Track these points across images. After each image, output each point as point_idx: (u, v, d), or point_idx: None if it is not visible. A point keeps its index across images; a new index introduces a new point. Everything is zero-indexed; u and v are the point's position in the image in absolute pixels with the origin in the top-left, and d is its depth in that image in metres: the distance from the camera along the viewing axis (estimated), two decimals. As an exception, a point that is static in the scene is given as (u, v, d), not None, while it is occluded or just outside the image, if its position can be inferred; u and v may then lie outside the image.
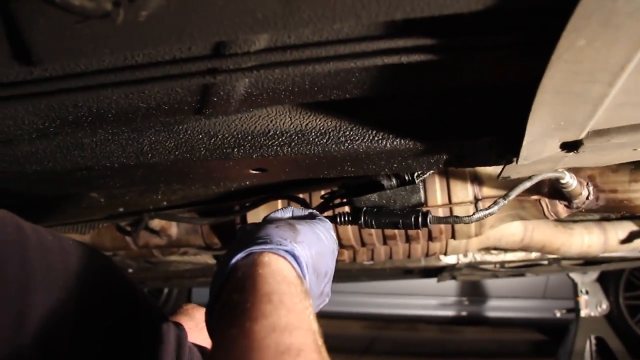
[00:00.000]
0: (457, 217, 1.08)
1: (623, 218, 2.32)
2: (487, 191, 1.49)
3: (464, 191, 1.49)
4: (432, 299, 5.04)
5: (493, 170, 1.47)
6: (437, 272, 2.79)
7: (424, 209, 1.12)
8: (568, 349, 3.30)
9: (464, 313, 5.17)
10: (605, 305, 3.31)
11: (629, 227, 2.24)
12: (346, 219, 1.17)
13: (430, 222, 1.09)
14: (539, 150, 0.86)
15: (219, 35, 0.67)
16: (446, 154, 0.96)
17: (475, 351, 5.59)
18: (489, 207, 1.08)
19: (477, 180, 1.49)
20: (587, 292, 3.30)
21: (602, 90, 0.70)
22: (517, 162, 0.89)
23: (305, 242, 0.81)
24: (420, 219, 1.09)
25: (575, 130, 0.82)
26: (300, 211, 1.02)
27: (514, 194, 1.13)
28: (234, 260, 0.73)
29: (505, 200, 1.10)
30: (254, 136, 0.99)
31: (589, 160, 0.98)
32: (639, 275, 4.88)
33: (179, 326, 1.03)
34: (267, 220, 0.93)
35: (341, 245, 1.67)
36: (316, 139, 0.96)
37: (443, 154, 0.96)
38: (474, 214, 1.07)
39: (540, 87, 0.69)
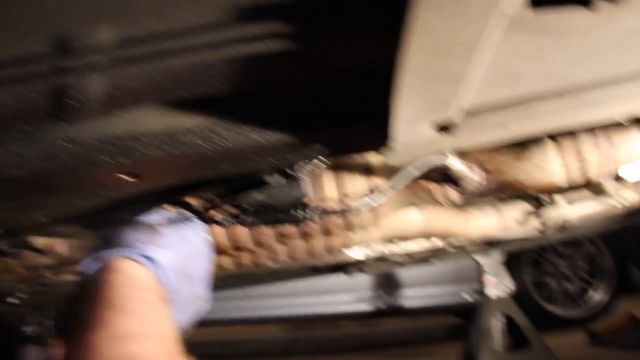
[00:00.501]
0: (338, 210, 1.06)
1: (517, 198, 2.39)
2: (380, 182, 1.48)
3: (356, 184, 1.47)
4: (349, 295, 5.07)
5: (385, 160, 1.46)
6: (343, 266, 2.78)
7: (307, 202, 1.10)
8: (478, 327, 3.39)
9: (381, 305, 5.23)
10: (510, 285, 3.41)
11: (523, 207, 2.31)
12: (230, 219, 1.13)
13: (311, 214, 1.06)
14: (413, 133, 0.85)
15: (53, 28, 0.61)
16: (322, 144, 0.94)
17: (395, 341, 5.69)
18: (374, 198, 1.07)
19: (370, 172, 1.47)
20: (492, 273, 3.39)
21: (461, 66, 0.69)
22: (389, 145, 0.87)
23: (168, 246, 0.76)
24: (303, 213, 1.06)
25: (445, 111, 0.81)
26: (171, 214, 0.97)
27: (400, 182, 1.12)
28: (83, 267, 0.67)
29: (391, 189, 1.09)
30: (121, 139, 0.93)
31: (468, 141, 0.99)
32: (543, 253, 5.10)
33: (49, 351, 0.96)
34: (129, 224, 0.87)
35: (238, 249, 1.62)
36: (187, 139, 0.91)
37: (319, 144, 0.94)
38: (354, 205, 1.05)
39: (400, 67, 0.67)
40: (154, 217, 0.94)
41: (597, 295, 5.06)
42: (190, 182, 1.31)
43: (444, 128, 0.86)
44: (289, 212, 1.08)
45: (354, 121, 0.88)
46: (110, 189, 1.24)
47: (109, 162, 0.94)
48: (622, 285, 5.14)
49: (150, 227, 0.79)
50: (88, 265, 0.68)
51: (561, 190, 2.17)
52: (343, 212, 1.07)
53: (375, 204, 1.06)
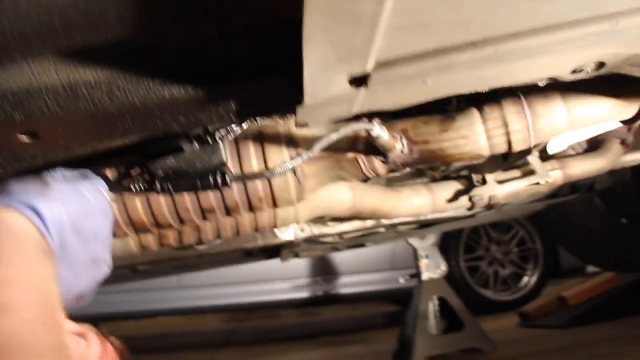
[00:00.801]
0: (256, 173, 1.02)
1: (448, 178, 2.41)
2: (303, 152, 1.45)
3: (279, 155, 1.42)
4: (286, 282, 5.04)
5: (309, 131, 1.43)
6: (278, 251, 2.75)
7: (225, 169, 1.06)
8: (413, 311, 3.41)
9: (319, 292, 5.23)
10: (444, 267, 3.45)
11: (454, 186, 2.33)
12: (141, 185, 1.07)
13: (229, 180, 1.02)
14: (325, 85, 0.82)
15: None
16: (234, 101, 0.89)
17: (334, 329, 5.69)
18: (293, 161, 1.03)
19: (293, 143, 1.43)
20: (426, 256, 3.42)
21: (373, 8, 0.65)
22: (304, 101, 0.83)
23: (58, 199, 0.70)
24: (219, 178, 1.02)
25: (358, 60, 0.77)
26: (68, 172, 0.90)
27: (318, 146, 1.09)
28: None
29: (310, 153, 1.05)
30: (15, 94, 0.86)
31: (384, 99, 0.96)
32: (476, 239, 5.20)
33: None
34: (16, 178, 0.80)
35: (159, 225, 1.55)
36: (86, 93, 0.85)
37: (230, 101, 0.89)
38: (274, 168, 1.01)
39: (305, 6, 0.63)
40: (46, 173, 0.87)
41: (528, 279, 5.19)
42: (102, 151, 1.25)
43: (358, 81, 0.83)
44: (205, 177, 1.03)
45: (265, 75, 0.84)
46: (10, 152, 1.16)
47: (3, 118, 0.87)
48: (553, 269, 5.30)
49: (40, 180, 0.73)
50: None
51: (487, 165, 2.20)
52: (263, 176, 1.03)
53: (295, 165, 1.02)
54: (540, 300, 4.42)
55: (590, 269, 5.57)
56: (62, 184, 0.76)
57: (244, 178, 1.04)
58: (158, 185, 1.05)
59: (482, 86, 1.05)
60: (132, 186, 1.09)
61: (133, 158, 1.18)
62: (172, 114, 0.90)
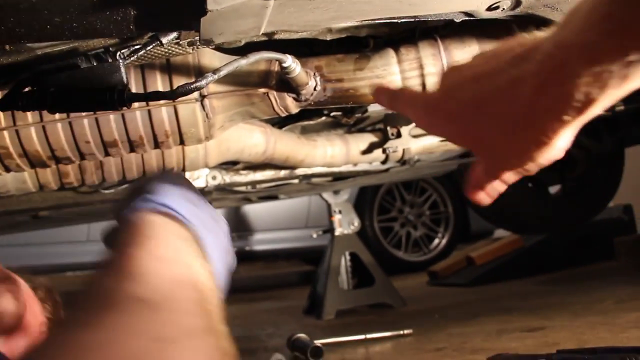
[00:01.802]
0: (158, 92, 0.96)
1: (363, 131, 2.40)
2: (213, 87, 1.38)
3: (187, 86, 1.36)
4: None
5: (219, 63, 1.36)
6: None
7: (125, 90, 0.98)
8: (325, 266, 3.43)
9: (234, 249, 5.18)
10: (357, 223, 3.47)
11: (369, 138, 2.33)
12: (30, 101, 0.98)
13: (127, 98, 0.95)
14: (231, -8, 0.76)
15: None
16: (134, 8, 0.82)
17: (248, 287, 5.67)
18: (195, 82, 0.97)
19: (202, 74, 1.37)
20: (340, 212, 3.43)
21: None
22: (207, 8, 0.77)
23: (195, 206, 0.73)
24: (116, 96, 0.95)
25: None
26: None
27: (225, 69, 1.03)
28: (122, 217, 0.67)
29: (215, 75, 1.00)
30: None
31: (295, 17, 0.91)
32: (390, 200, 5.28)
33: None
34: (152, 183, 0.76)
35: (58, 160, 1.46)
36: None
37: (129, 7, 0.82)
38: (177, 88, 0.95)
39: None
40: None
41: (439, 241, 5.34)
42: None
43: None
44: (102, 95, 0.96)
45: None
46: None
47: None
48: (462, 233, 5.47)
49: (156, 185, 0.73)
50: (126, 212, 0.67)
51: (403, 119, 2.20)
52: (165, 96, 0.97)
53: (199, 85, 0.96)
54: (448, 260, 4.55)
55: (497, 233, 5.79)
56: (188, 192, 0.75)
57: (145, 97, 0.97)
58: (49, 102, 0.97)
59: (396, 13, 1.02)
60: (21, 103, 1.00)
61: (25, 76, 1.09)
62: (63, 18, 0.82)
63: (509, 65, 0.53)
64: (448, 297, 3.59)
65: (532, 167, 0.55)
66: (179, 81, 1.37)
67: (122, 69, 1.01)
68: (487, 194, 0.65)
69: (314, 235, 3.66)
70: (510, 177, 0.61)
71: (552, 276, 3.73)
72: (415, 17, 1.04)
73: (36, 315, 1.11)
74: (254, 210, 5.06)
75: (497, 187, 0.64)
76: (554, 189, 4.43)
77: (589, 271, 3.75)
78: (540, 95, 0.49)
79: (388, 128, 2.30)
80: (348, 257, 3.47)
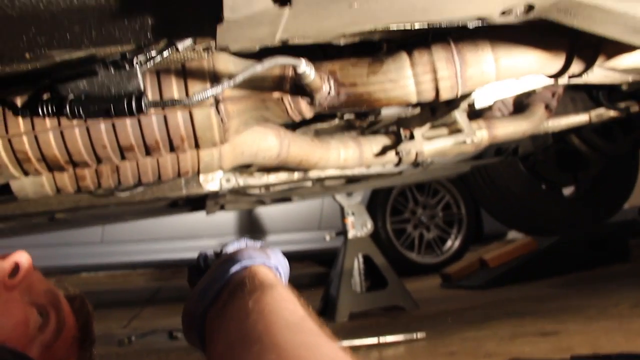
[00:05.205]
0: (175, 100, 0.97)
1: (376, 133, 2.40)
2: (228, 92, 1.39)
3: (202, 87, 1.37)
4: (213, 239, 4.98)
5: (234, 68, 1.37)
6: (203, 202, 2.69)
7: (143, 97, 1.00)
8: (338, 269, 3.43)
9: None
10: (370, 225, 3.47)
11: (382, 140, 2.32)
12: (49, 108, 1.00)
13: (145, 105, 0.96)
14: (248, 2, 0.77)
15: None
16: (151, 15, 0.83)
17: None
18: (211, 89, 0.98)
19: (217, 78, 1.38)
20: (353, 214, 3.43)
21: None
22: (224, 16, 0.78)
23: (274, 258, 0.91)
24: (134, 103, 0.96)
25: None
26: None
27: (241, 76, 1.04)
28: (232, 271, 0.82)
29: (231, 81, 1.00)
30: None
31: (309, 25, 0.92)
32: (403, 202, 5.27)
33: None
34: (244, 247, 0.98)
35: (75, 164, 1.48)
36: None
37: (147, 15, 0.83)
38: (193, 96, 0.96)
39: None
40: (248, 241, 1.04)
41: (452, 243, 5.32)
42: (11, 76, 1.16)
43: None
44: (120, 102, 0.97)
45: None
46: None
47: None
48: (475, 234, 5.45)
49: (260, 247, 0.96)
50: (237, 270, 0.83)
51: (416, 121, 2.20)
52: (182, 103, 0.98)
53: (216, 92, 0.97)
54: (461, 263, 4.54)
55: (511, 235, 5.77)
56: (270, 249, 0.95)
57: (162, 104, 0.98)
58: (68, 109, 0.98)
59: (410, 19, 1.02)
60: (40, 110, 1.01)
61: (44, 83, 1.11)
62: (82, 27, 0.84)
63: None
64: (461, 300, 3.58)
65: None
66: (194, 86, 1.38)
67: (140, 76, 1.03)
68: None
69: (327, 238, 3.66)
70: None
71: (566, 279, 3.71)
72: (429, 22, 1.05)
73: (70, 328, 1.14)
74: (267, 212, 5.08)
75: None
76: (568, 191, 4.42)
77: (603, 274, 3.72)
78: None
79: (401, 130, 2.30)
80: (361, 260, 3.47)
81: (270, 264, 0.87)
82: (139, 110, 0.97)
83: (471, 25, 1.13)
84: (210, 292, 0.82)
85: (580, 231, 4.02)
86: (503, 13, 1.10)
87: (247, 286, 0.77)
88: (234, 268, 0.82)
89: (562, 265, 3.85)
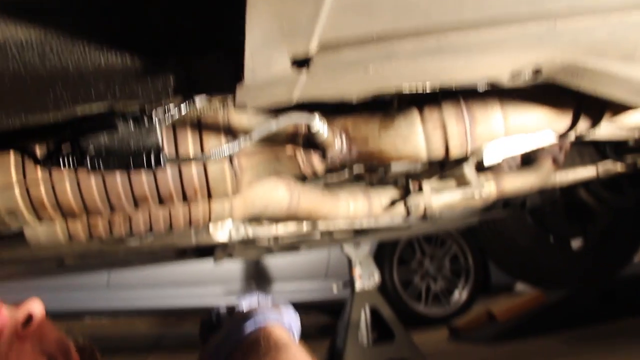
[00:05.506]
0: (192, 157, 1.00)
1: (385, 184, 2.42)
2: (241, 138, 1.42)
3: (217, 142, 1.40)
4: (218, 287, 4.96)
5: (248, 123, 1.41)
6: (211, 249, 2.70)
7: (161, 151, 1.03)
8: (345, 321, 3.41)
9: (252, 300, 5.16)
10: (377, 277, 3.47)
11: (390, 193, 2.35)
12: (70, 159, 1.03)
13: (163, 160, 0.99)
14: (267, 63, 0.80)
15: None
16: (173, 75, 0.87)
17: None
18: (227, 145, 1.01)
19: (232, 133, 1.41)
20: (360, 265, 3.43)
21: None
22: (244, 79, 0.82)
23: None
24: (152, 157, 0.99)
25: (301, 39, 0.77)
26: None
27: (257, 133, 1.07)
28: (247, 331, 0.87)
29: (248, 138, 1.03)
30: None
31: (326, 87, 0.95)
32: (410, 253, 5.26)
33: None
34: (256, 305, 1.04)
35: (89, 212, 1.50)
36: (17, 53, 0.81)
37: (170, 75, 0.87)
38: (209, 152, 0.99)
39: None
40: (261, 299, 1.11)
41: (459, 295, 5.28)
42: (33, 126, 1.20)
43: (300, 62, 0.82)
44: (138, 156, 1.00)
45: (208, 49, 0.82)
46: None
47: None
48: (483, 285, 5.41)
49: (274, 305, 1.02)
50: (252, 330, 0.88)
51: (425, 174, 2.23)
52: (198, 159, 1.01)
53: (231, 150, 1.00)
54: (469, 316, 4.50)
55: (519, 287, 5.72)
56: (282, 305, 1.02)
57: (179, 160, 1.01)
58: (88, 162, 1.01)
59: (423, 81, 1.05)
60: (61, 161, 1.04)
61: (65, 134, 1.14)
62: (107, 84, 0.87)
63: None
64: (469, 355, 3.55)
65: None
66: (209, 139, 1.41)
67: (159, 132, 1.06)
68: None
69: (335, 290, 3.65)
70: None
71: (576, 333, 3.67)
72: (440, 85, 1.08)
73: None
74: (274, 260, 5.06)
75: None
76: (576, 244, 4.40)
77: (614, 328, 3.68)
78: None
79: (410, 181, 2.32)
80: (368, 312, 3.45)
81: (283, 322, 0.88)
82: (157, 164, 1.00)
83: (481, 88, 1.16)
84: (224, 350, 0.83)
85: (590, 284, 3.99)
86: (511, 78, 1.13)
87: (262, 347, 0.80)
88: (249, 328, 0.85)
89: (572, 319, 3.81)
